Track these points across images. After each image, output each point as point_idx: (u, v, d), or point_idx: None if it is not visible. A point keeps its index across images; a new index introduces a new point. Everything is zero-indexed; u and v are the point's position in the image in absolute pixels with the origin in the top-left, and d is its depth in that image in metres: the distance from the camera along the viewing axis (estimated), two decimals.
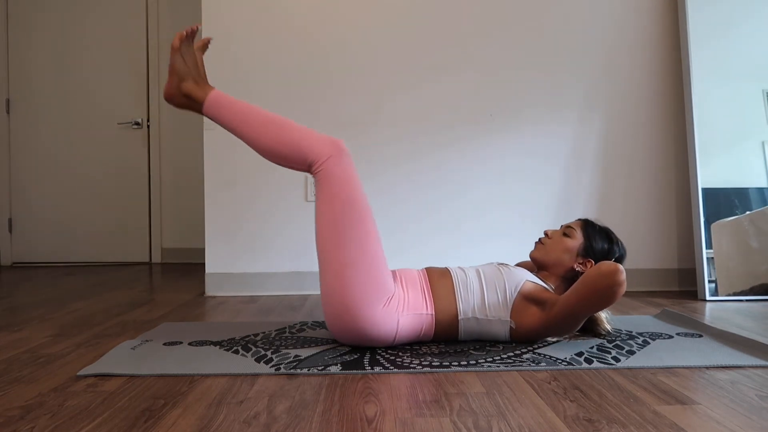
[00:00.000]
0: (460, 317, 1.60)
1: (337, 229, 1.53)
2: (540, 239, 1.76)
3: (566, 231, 1.73)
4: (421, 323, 1.59)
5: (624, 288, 1.45)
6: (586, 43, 2.70)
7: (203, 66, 1.66)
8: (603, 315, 1.70)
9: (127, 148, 4.17)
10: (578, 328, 1.60)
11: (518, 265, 1.96)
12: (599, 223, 1.77)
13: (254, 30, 2.66)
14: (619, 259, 1.73)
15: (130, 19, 4.14)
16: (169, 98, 1.65)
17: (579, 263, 1.69)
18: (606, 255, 1.70)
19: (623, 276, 1.44)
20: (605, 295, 1.46)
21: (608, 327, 1.70)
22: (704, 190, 2.51)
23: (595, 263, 1.68)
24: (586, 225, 1.75)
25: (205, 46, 1.68)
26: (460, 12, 2.69)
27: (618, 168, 2.71)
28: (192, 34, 1.64)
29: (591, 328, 1.70)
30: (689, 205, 2.68)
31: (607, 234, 1.74)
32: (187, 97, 1.63)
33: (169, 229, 4.22)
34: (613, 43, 2.71)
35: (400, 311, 1.56)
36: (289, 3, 2.67)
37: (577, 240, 1.71)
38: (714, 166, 2.54)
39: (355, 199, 1.55)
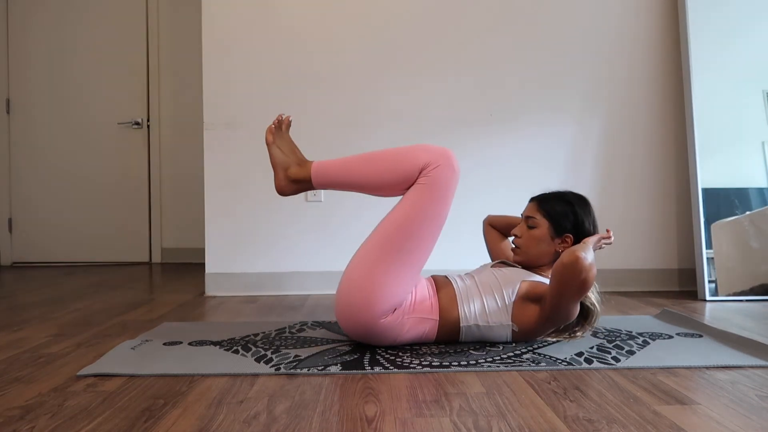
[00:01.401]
0: (462, 324, 1.60)
1: (403, 234, 1.52)
2: (512, 242, 1.75)
3: (529, 223, 1.70)
4: (425, 326, 1.60)
5: (593, 271, 1.42)
6: (587, 44, 2.70)
7: (295, 145, 1.68)
8: (591, 296, 1.64)
9: (127, 148, 4.17)
10: (575, 315, 1.57)
11: (488, 223, 2.01)
12: (550, 192, 1.73)
13: (254, 30, 2.66)
14: (587, 215, 1.67)
15: (130, 19, 4.14)
16: (283, 191, 1.66)
17: (559, 245, 1.67)
18: (575, 224, 1.65)
19: (586, 261, 1.40)
20: (576, 283, 1.43)
21: (593, 297, 1.62)
22: (704, 190, 2.51)
23: (574, 236, 1.65)
24: (541, 203, 1.70)
25: (288, 125, 1.70)
26: (459, 12, 2.69)
27: (618, 168, 2.71)
28: (280, 124, 1.68)
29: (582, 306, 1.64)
30: (689, 205, 2.68)
31: (562, 200, 1.69)
32: (296, 182, 1.64)
33: (169, 229, 4.22)
34: (614, 43, 2.71)
35: (407, 313, 1.57)
36: (289, 3, 2.67)
37: (542, 226, 1.67)
38: (714, 166, 2.54)
39: (437, 220, 1.54)
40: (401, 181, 1.55)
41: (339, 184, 1.62)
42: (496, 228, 1.98)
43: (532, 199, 1.75)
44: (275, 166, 1.66)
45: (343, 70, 2.68)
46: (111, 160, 4.15)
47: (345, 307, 1.55)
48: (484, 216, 2.72)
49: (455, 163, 1.54)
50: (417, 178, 1.53)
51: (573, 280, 1.43)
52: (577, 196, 1.71)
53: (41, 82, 4.13)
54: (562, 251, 1.64)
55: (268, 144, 1.67)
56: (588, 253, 1.43)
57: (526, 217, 1.72)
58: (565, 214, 1.66)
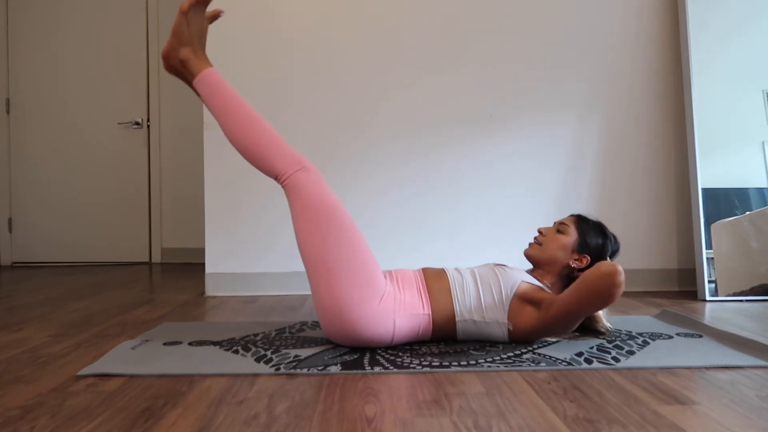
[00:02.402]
0: (457, 318, 1.60)
1: (316, 234, 1.52)
2: (535, 237, 1.77)
3: (560, 228, 1.74)
4: (419, 323, 1.59)
5: (622, 289, 1.45)
6: (586, 44, 2.70)
7: (205, 37, 1.65)
8: (601, 312, 1.70)
9: (127, 148, 4.17)
10: (575, 328, 1.60)
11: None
12: (592, 218, 1.77)
13: (253, 30, 2.66)
14: (614, 254, 1.74)
15: (130, 19, 4.14)
16: (166, 58, 1.64)
17: (574, 259, 1.70)
18: (601, 250, 1.70)
19: (623, 277, 1.44)
20: (604, 295, 1.46)
21: (607, 324, 1.70)
22: (704, 190, 2.51)
23: (591, 259, 1.69)
24: (579, 220, 1.75)
25: (214, 17, 1.66)
26: (458, 12, 2.69)
27: (618, 168, 2.71)
28: (205, 2, 1.62)
29: (590, 327, 1.70)
30: (689, 205, 2.68)
31: (600, 228, 1.74)
32: (183, 64, 1.63)
33: (169, 229, 4.22)
34: (614, 43, 2.71)
35: (396, 311, 1.55)
36: (288, 3, 2.67)
37: (571, 236, 1.71)
38: (714, 166, 2.54)
39: (328, 204, 1.55)
40: (256, 163, 1.60)
41: (211, 108, 1.62)
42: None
43: (574, 215, 1.79)
44: (174, 34, 1.61)
45: (344, 70, 2.68)
46: (111, 160, 4.16)
47: (331, 326, 1.55)
48: (484, 217, 2.73)
49: (307, 162, 1.58)
50: (280, 184, 1.59)
51: (605, 291, 1.44)
52: (613, 234, 1.76)
53: (41, 82, 4.13)
54: (574, 266, 1.69)
55: (181, 11, 1.60)
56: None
57: (560, 223, 1.76)
58: (594, 238, 1.71)
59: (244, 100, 1.64)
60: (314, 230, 1.53)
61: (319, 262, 1.52)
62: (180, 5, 1.60)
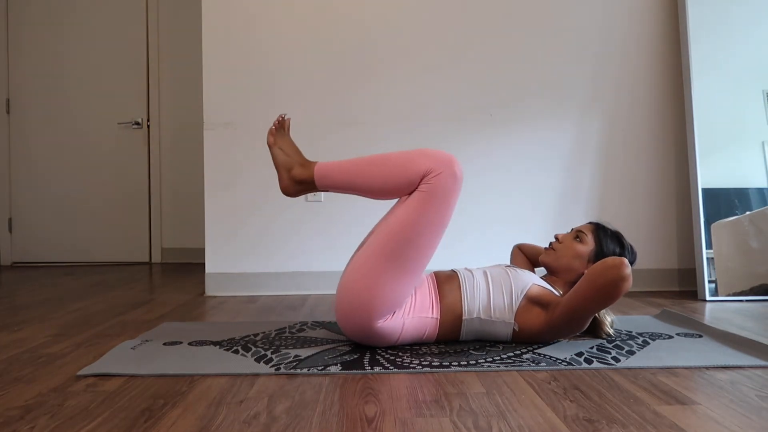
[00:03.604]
0: (464, 317, 1.59)
1: (403, 242, 1.49)
2: (551, 243, 1.75)
3: (578, 235, 1.71)
4: (425, 326, 1.59)
5: (629, 283, 1.44)
6: (587, 44, 2.70)
7: (297, 147, 1.67)
8: (607, 318, 1.69)
9: (127, 148, 4.17)
10: (582, 329, 1.59)
11: (518, 246, 1.98)
12: (610, 227, 1.75)
13: (253, 31, 2.66)
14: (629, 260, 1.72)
15: (130, 19, 4.14)
16: (287, 192, 1.64)
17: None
18: None
19: (628, 270, 1.43)
20: (609, 289, 1.44)
21: (610, 330, 1.69)
22: (704, 190, 2.51)
23: None
24: (598, 229, 1.73)
25: (288, 126, 1.69)
26: (460, 13, 2.69)
27: (618, 168, 2.71)
28: (281, 124, 1.67)
29: (593, 331, 1.69)
30: (689, 205, 2.68)
31: (618, 239, 1.72)
32: (300, 183, 1.62)
33: (169, 229, 4.22)
34: (614, 43, 2.71)
35: (406, 314, 1.56)
36: (288, 3, 2.67)
37: (589, 245, 1.69)
38: (714, 166, 2.54)
39: (438, 229, 1.51)
40: (403, 186, 1.52)
41: (341, 188, 1.60)
42: (525, 253, 1.98)
43: (592, 222, 1.77)
44: (278, 167, 1.65)
45: (344, 70, 2.68)
46: (111, 160, 4.15)
47: (345, 311, 1.54)
48: (485, 217, 2.73)
49: (458, 170, 1.50)
50: (418, 185, 1.50)
51: (610, 284, 1.44)
52: (630, 245, 1.75)
53: (41, 82, 4.13)
54: None
55: (269, 146, 1.66)
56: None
57: (578, 231, 1.73)
58: (612, 249, 1.70)
59: (356, 158, 1.60)
60: (405, 237, 1.49)
61: (379, 263, 1.49)
62: (267, 141, 1.67)
